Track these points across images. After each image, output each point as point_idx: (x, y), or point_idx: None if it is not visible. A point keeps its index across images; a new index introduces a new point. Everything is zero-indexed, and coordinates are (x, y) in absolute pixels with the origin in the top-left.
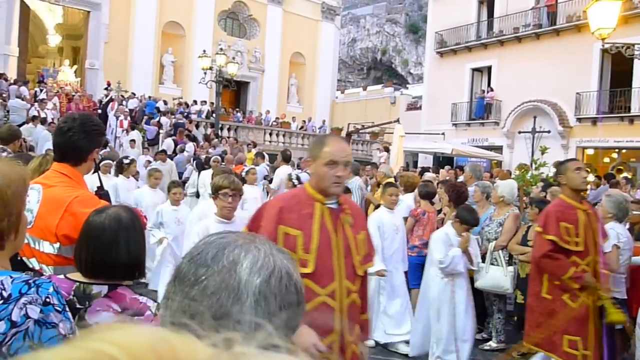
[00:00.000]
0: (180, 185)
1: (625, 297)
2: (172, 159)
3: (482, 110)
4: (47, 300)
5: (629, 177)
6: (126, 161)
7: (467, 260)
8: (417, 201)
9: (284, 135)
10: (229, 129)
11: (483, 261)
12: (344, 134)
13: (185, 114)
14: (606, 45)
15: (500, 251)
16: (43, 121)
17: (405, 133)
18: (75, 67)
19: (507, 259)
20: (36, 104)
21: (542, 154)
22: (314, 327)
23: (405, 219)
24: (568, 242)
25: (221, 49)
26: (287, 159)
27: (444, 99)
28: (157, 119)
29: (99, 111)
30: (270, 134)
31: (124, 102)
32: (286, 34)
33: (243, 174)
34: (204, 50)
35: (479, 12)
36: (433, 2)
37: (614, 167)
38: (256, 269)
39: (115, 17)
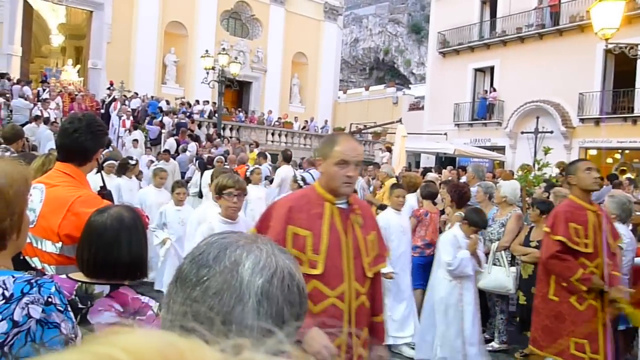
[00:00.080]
0: (184, 185)
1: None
2: (174, 159)
3: (485, 111)
4: (49, 300)
5: (632, 177)
6: (132, 162)
7: (476, 263)
8: (420, 202)
9: (286, 135)
10: (231, 129)
11: (485, 262)
12: None
13: (188, 113)
14: (609, 46)
15: (502, 252)
16: (46, 121)
17: (408, 133)
18: (78, 66)
19: (510, 259)
20: (39, 103)
21: (545, 154)
22: (322, 329)
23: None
24: (577, 243)
25: (224, 49)
26: (287, 159)
27: (446, 99)
28: (160, 118)
29: (102, 111)
30: (273, 134)
31: (127, 102)
32: (289, 34)
33: (247, 173)
34: (207, 50)
35: (481, 12)
36: (435, 2)
37: (617, 167)
38: (258, 269)
39: (118, 17)
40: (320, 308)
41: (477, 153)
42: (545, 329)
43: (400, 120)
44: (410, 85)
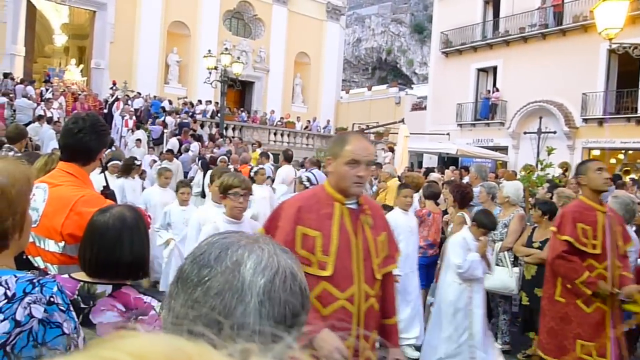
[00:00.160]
0: (188, 185)
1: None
2: (177, 159)
3: (488, 111)
4: (52, 299)
5: (636, 178)
6: (137, 162)
7: (485, 265)
8: (422, 202)
9: (288, 135)
10: (233, 129)
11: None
12: None
13: (190, 113)
14: (613, 46)
15: (505, 252)
16: (49, 120)
17: (410, 133)
18: (81, 66)
19: (512, 260)
20: (42, 103)
21: (548, 154)
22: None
23: None
24: (585, 244)
25: (226, 49)
26: (288, 159)
27: (449, 99)
28: (162, 118)
29: (105, 111)
30: (275, 134)
31: (129, 102)
32: (291, 33)
33: (251, 173)
34: (209, 50)
35: (484, 12)
36: (438, 2)
37: (621, 168)
38: (260, 269)
39: (121, 17)
40: (330, 310)
41: (480, 153)
42: (550, 331)
43: (402, 121)
44: (412, 85)
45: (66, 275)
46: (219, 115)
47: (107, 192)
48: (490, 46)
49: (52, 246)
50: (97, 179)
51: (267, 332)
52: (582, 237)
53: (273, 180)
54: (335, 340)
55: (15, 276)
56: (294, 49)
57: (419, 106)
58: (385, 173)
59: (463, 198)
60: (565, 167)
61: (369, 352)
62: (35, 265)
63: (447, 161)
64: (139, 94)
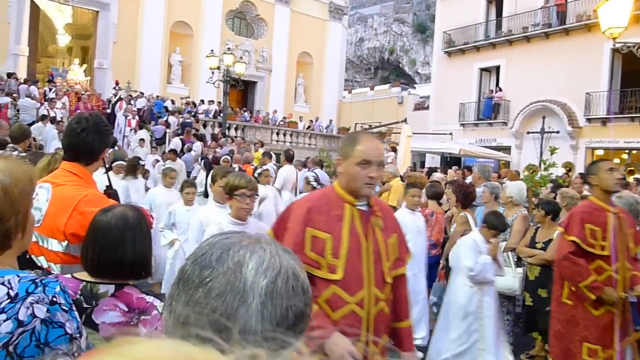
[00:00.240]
0: (194, 185)
1: (635, 301)
2: (179, 158)
3: (490, 111)
4: (54, 299)
5: None
6: (142, 162)
7: (497, 267)
8: (425, 202)
9: (291, 135)
10: (236, 129)
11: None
12: None
13: (193, 113)
14: (617, 45)
15: (509, 252)
16: (52, 120)
17: (413, 133)
18: (84, 66)
19: (516, 260)
20: (46, 103)
21: (551, 154)
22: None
23: None
24: (593, 246)
25: (229, 49)
26: (290, 159)
27: (451, 99)
28: (165, 118)
29: (108, 110)
30: (278, 134)
31: (132, 102)
32: (293, 33)
33: (255, 174)
34: (212, 50)
35: (487, 11)
36: (441, 2)
37: (625, 168)
38: (262, 270)
39: (124, 17)
40: (340, 315)
41: (483, 153)
42: (557, 334)
43: (405, 120)
44: (415, 85)
45: (69, 275)
46: (221, 115)
47: (110, 192)
48: (493, 46)
49: (55, 245)
50: (100, 178)
51: (271, 335)
52: (590, 238)
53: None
54: (347, 344)
55: (18, 276)
56: (297, 48)
57: (421, 106)
58: (388, 173)
59: (465, 198)
60: (568, 167)
61: (378, 358)
62: (39, 264)
63: (449, 161)
64: (142, 93)
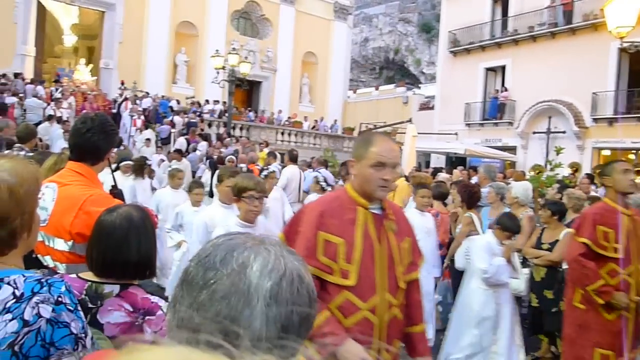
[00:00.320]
0: (202, 185)
1: None
2: (185, 158)
3: (496, 110)
4: (59, 299)
5: None
6: (149, 162)
7: (511, 270)
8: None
9: (295, 135)
10: (241, 128)
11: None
12: (356, 133)
13: (198, 113)
14: (624, 44)
15: (515, 253)
16: (59, 120)
17: (418, 133)
18: (90, 66)
19: (522, 261)
20: (52, 103)
21: (557, 154)
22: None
23: None
24: (605, 248)
25: (234, 49)
26: (294, 159)
27: (457, 99)
28: (170, 118)
29: (114, 110)
30: (282, 134)
31: (138, 102)
32: (298, 33)
33: (262, 175)
34: (217, 50)
35: (493, 10)
36: (446, 1)
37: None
38: (266, 271)
39: (130, 17)
40: (352, 321)
41: (488, 153)
42: (568, 339)
43: (410, 120)
44: (420, 85)
45: (74, 275)
46: (226, 114)
47: (115, 192)
48: (499, 45)
49: (61, 245)
50: (105, 178)
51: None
52: (602, 240)
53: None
54: (360, 351)
55: (24, 276)
56: (302, 48)
57: (426, 106)
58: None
59: (470, 198)
60: (575, 167)
61: None
62: (45, 264)
63: (454, 161)
64: (147, 93)
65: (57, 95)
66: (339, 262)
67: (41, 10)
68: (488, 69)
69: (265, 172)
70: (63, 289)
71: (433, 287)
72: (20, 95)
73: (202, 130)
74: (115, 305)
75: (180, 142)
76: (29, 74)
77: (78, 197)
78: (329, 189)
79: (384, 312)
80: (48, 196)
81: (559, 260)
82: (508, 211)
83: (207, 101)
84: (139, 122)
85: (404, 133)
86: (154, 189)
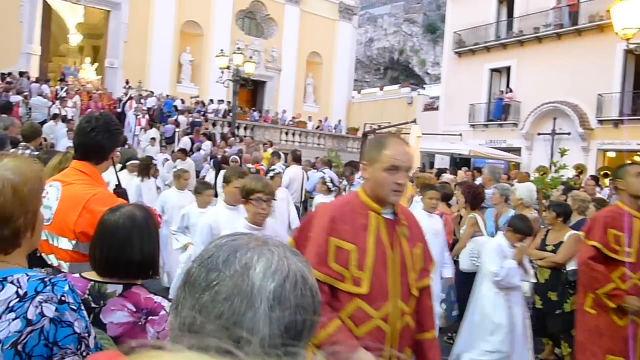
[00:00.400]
0: (211, 187)
1: None
2: (189, 157)
3: (501, 112)
4: (63, 298)
5: None
6: (155, 162)
7: (523, 272)
8: None
9: (299, 135)
10: (245, 128)
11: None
12: (360, 134)
13: (202, 112)
14: (631, 46)
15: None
16: (64, 119)
17: (422, 134)
18: (95, 65)
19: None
20: (57, 101)
21: (562, 156)
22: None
23: None
24: (615, 251)
25: (238, 48)
26: (297, 159)
27: (461, 100)
28: (175, 117)
29: (119, 109)
30: (287, 134)
31: (142, 101)
32: (303, 33)
33: (267, 177)
34: (222, 50)
35: (498, 11)
36: (452, 2)
37: None
38: (270, 273)
39: (135, 17)
40: (364, 330)
41: (493, 154)
42: (580, 345)
43: (414, 121)
44: (425, 86)
45: (77, 275)
46: (230, 114)
47: (119, 191)
48: (504, 46)
49: (65, 244)
50: (111, 178)
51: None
52: (613, 243)
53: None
54: (372, 359)
55: (27, 275)
56: (306, 48)
57: (431, 106)
58: None
59: (474, 199)
60: (580, 169)
61: None
62: (49, 262)
63: (459, 162)
64: (152, 92)
65: (62, 94)
66: (350, 269)
67: (47, 9)
68: (493, 70)
69: (271, 173)
70: (66, 288)
71: (440, 290)
72: (25, 93)
73: (206, 129)
74: (118, 305)
75: (185, 142)
76: (34, 73)
77: (82, 196)
78: (335, 189)
79: (397, 320)
80: (52, 195)
81: (563, 262)
82: (519, 213)
83: (211, 101)
84: (144, 121)
85: (408, 134)
86: (157, 188)
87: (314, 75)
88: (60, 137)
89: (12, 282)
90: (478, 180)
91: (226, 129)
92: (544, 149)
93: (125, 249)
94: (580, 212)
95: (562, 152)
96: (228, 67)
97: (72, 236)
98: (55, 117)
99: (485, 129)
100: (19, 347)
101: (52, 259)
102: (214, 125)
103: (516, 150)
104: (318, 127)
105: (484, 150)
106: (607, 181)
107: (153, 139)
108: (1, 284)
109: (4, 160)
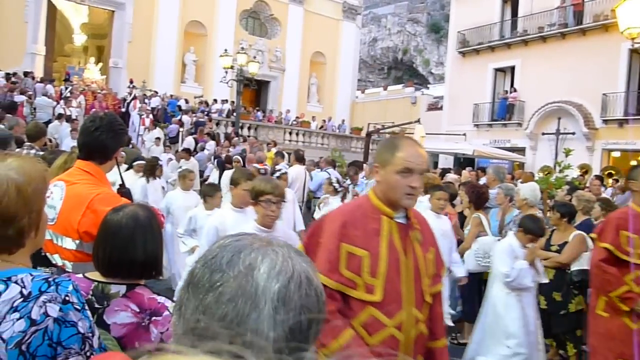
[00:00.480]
0: (220, 188)
1: None
2: (193, 157)
3: (505, 111)
4: (67, 298)
5: None
6: (160, 162)
7: (535, 273)
8: None
9: (303, 135)
10: (249, 128)
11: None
12: (363, 134)
13: (206, 112)
14: (635, 45)
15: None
16: (68, 119)
17: (426, 133)
18: (100, 64)
19: None
20: (62, 101)
21: (566, 156)
22: None
23: None
24: (627, 253)
25: (242, 48)
26: (299, 159)
27: (465, 100)
28: (179, 117)
29: (123, 109)
30: (290, 133)
31: (146, 101)
32: (307, 33)
33: (274, 177)
34: (226, 50)
35: (502, 11)
36: (456, 1)
37: None
38: (274, 273)
39: (139, 17)
40: (378, 339)
41: (497, 154)
42: (592, 349)
43: (418, 121)
44: (428, 85)
45: (80, 275)
46: (234, 114)
47: (123, 191)
48: (508, 46)
49: (69, 243)
50: (115, 178)
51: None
52: (625, 245)
53: None
54: None
55: (31, 275)
56: (310, 48)
57: (435, 106)
58: None
59: (478, 199)
60: (584, 169)
61: None
62: (53, 262)
63: (463, 162)
64: (156, 92)
65: (67, 94)
66: (363, 276)
67: (51, 9)
68: (497, 70)
69: (277, 174)
70: (70, 288)
71: (448, 293)
72: (30, 93)
73: (210, 129)
74: (122, 305)
75: (189, 142)
76: (39, 73)
77: (85, 195)
78: (342, 190)
79: (411, 328)
80: (56, 195)
81: (567, 262)
82: (530, 213)
83: (215, 100)
84: (148, 121)
85: (412, 133)
86: (162, 188)
87: (318, 75)
88: (64, 137)
89: (16, 282)
90: (482, 180)
91: (230, 129)
92: (548, 149)
93: (128, 248)
94: (585, 212)
95: (567, 152)
96: (232, 67)
97: (76, 236)
98: (59, 117)
99: (490, 129)
100: (23, 347)
101: (56, 259)
102: (217, 125)
103: (520, 150)
104: (322, 127)
105: (488, 150)
106: (610, 181)
107: (158, 138)
108: (5, 283)
109: (8, 160)
